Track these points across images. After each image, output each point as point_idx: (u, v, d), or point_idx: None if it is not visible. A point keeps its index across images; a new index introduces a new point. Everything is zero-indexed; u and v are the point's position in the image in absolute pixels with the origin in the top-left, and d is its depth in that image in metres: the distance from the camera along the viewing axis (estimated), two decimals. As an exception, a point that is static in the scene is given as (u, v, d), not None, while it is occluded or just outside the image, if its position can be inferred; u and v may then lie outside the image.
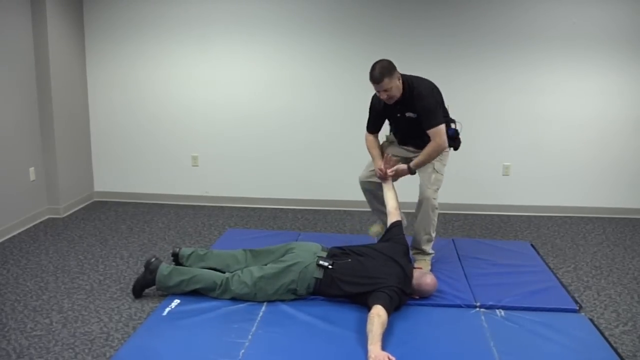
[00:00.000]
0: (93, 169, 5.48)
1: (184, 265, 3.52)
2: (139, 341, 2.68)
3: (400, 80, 3.27)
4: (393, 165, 3.49)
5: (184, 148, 5.36)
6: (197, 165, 5.39)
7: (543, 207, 5.17)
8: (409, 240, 3.51)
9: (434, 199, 3.42)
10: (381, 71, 3.17)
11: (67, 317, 2.99)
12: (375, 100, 3.54)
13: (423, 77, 3.42)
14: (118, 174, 5.47)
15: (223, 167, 5.37)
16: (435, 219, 3.50)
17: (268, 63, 5.10)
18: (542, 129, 5.03)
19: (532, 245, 4.19)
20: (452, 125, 3.47)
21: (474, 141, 5.07)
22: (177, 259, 3.60)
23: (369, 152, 3.67)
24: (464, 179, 5.13)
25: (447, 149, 3.45)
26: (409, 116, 3.38)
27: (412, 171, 3.45)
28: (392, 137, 3.72)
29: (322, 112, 5.16)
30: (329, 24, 4.99)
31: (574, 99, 4.96)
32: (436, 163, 3.43)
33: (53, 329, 2.85)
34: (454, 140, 3.46)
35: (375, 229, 3.89)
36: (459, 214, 5.14)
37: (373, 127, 3.63)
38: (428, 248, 3.58)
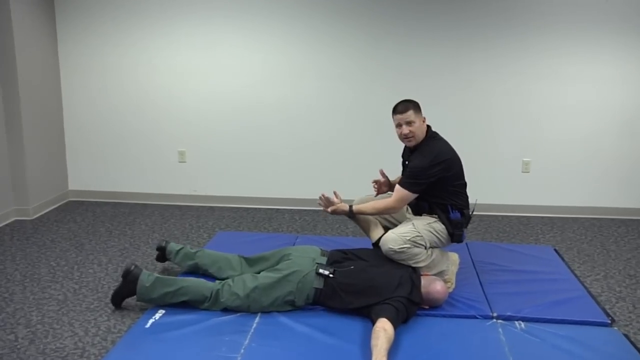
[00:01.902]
0: (67, 165, 5.47)
1: (172, 262, 3.53)
2: (119, 357, 2.66)
3: (425, 125, 3.26)
4: (337, 202, 3.38)
5: (169, 142, 5.35)
6: (184, 162, 5.38)
7: (567, 207, 5.16)
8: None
9: (392, 245, 3.12)
10: (408, 103, 3.21)
11: (35, 331, 2.96)
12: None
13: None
14: (96, 170, 5.46)
15: (213, 163, 5.36)
16: (411, 256, 3.15)
17: (262, 50, 5.08)
18: (566, 121, 5.02)
19: (555, 250, 4.18)
20: (464, 211, 3.28)
21: (490, 135, 5.07)
22: (163, 254, 3.59)
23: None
24: (479, 176, 5.10)
25: (445, 230, 3.25)
26: None
27: (350, 214, 3.34)
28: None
29: (322, 104, 5.15)
30: (330, 7, 4.96)
31: (603, 88, 4.95)
32: (418, 222, 3.23)
33: (18, 346, 2.82)
34: (454, 227, 3.23)
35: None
36: (473, 215, 5.11)
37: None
38: (433, 272, 3.25)
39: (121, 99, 5.29)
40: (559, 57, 4.90)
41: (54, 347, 2.80)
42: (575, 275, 3.69)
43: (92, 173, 5.47)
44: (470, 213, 3.34)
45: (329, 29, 5.00)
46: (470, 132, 5.03)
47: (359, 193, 5.00)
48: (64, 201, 5.42)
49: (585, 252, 4.24)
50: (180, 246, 3.56)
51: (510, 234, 4.68)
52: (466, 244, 4.16)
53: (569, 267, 3.83)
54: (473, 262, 3.81)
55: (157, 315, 3.00)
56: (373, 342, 2.60)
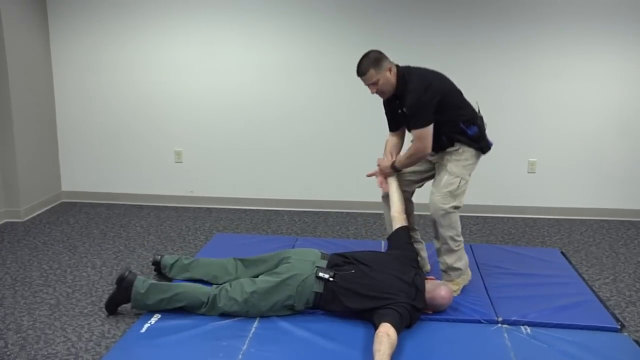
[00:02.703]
0: (60, 166, 5.47)
1: (167, 276, 3.52)
2: (113, 362, 2.65)
3: (393, 73, 3.24)
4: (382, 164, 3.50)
5: (166, 142, 5.34)
6: (180, 162, 5.37)
7: (575, 208, 5.15)
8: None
9: (443, 204, 3.25)
10: (366, 63, 3.19)
11: (26, 337, 2.95)
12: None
13: (428, 67, 3.34)
14: (89, 171, 5.45)
15: (210, 163, 5.35)
16: (452, 224, 3.31)
17: (260, 46, 5.08)
18: (573, 120, 5.01)
19: (562, 252, 4.17)
20: (477, 123, 3.37)
21: (494, 134, 5.03)
22: (158, 268, 3.60)
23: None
24: (483, 177, 5.07)
25: (472, 150, 3.36)
26: (404, 112, 3.33)
27: (395, 168, 3.47)
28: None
29: (322, 102, 5.14)
30: (329, 3, 4.96)
31: (611, 86, 4.94)
32: (451, 163, 3.33)
33: (8, 353, 2.80)
34: (477, 142, 3.35)
35: None
36: (477, 216, 5.12)
37: (390, 125, 3.60)
38: (452, 260, 3.36)
39: (116, 97, 5.28)
40: (566, 55, 4.89)
41: (45, 353, 2.79)
42: (583, 279, 3.68)
43: (85, 173, 5.46)
44: (479, 114, 3.41)
45: (327, 25, 5.00)
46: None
47: (361, 192, 5.03)
48: (57, 202, 5.41)
49: (593, 255, 4.24)
50: (174, 259, 3.56)
51: (516, 236, 4.67)
52: (470, 246, 4.16)
53: (577, 271, 3.82)
54: (477, 265, 3.81)
55: (153, 320, 3.00)
56: (376, 346, 2.59)
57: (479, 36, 4.91)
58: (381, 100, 3.51)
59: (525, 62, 4.93)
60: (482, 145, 3.38)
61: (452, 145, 3.33)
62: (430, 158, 3.48)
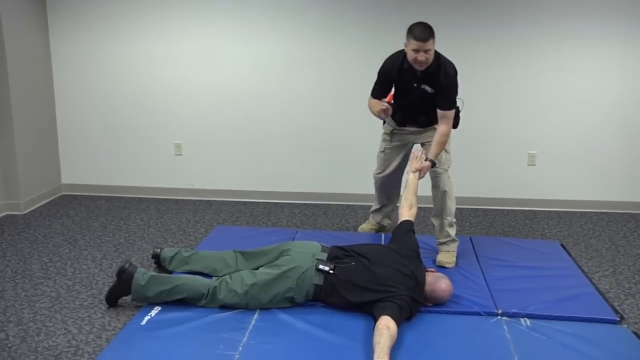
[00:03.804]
0: (60, 158, 5.47)
1: (167, 269, 3.52)
2: (114, 355, 2.66)
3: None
4: (422, 161, 3.62)
5: (166, 134, 5.34)
6: (180, 154, 5.37)
7: (575, 201, 5.16)
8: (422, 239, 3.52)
9: (449, 177, 3.66)
10: (427, 29, 3.36)
11: (27, 329, 2.96)
12: (388, 65, 3.68)
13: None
14: (89, 163, 5.45)
15: (210, 156, 5.35)
16: (454, 198, 3.71)
17: (260, 39, 5.06)
18: (574, 112, 5.01)
19: (562, 245, 4.17)
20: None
21: (494, 126, 5.07)
22: (158, 261, 3.61)
23: (371, 110, 3.74)
24: (483, 169, 5.11)
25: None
26: (424, 89, 3.55)
27: (434, 164, 3.63)
28: (390, 125, 3.89)
29: (322, 94, 5.13)
30: (330, -7, 4.96)
31: (612, 79, 4.92)
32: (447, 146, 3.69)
33: (9, 345, 2.81)
34: (454, 118, 3.66)
35: (366, 227, 4.39)
36: (477, 209, 5.13)
37: (379, 93, 3.75)
38: (453, 232, 3.73)
39: (115, 90, 5.27)
40: (568, 48, 4.87)
41: (46, 346, 2.80)
42: (583, 271, 3.68)
43: (85, 166, 5.46)
44: (460, 107, 3.71)
45: (326, 17, 4.98)
46: (474, 123, 5.00)
47: (361, 184, 5.03)
48: (57, 195, 5.42)
49: (593, 248, 4.24)
50: (174, 251, 3.57)
51: (516, 228, 4.67)
52: (470, 238, 4.17)
53: (576, 263, 3.83)
54: (477, 257, 3.81)
55: (153, 312, 3.01)
56: (376, 339, 2.60)
57: (479, 28, 4.89)
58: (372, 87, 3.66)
59: (526, 54, 4.91)
60: (456, 121, 3.71)
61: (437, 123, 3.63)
62: (413, 138, 3.82)
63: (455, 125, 3.72)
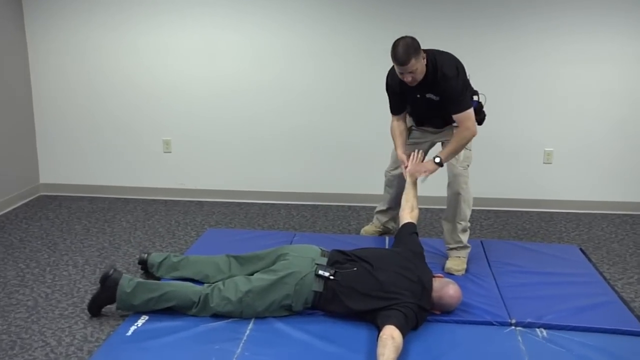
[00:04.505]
0: (38, 157, 5.47)
1: (154, 276, 3.52)
2: (97, 367, 2.66)
3: (424, 59, 3.42)
4: (421, 161, 3.68)
5: (153, 130, 5.34)
6: (169, 152, 5.37)
7: (595, 202, 5.15)
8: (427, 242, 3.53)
9: (466, 176, 3.67)
10: (407, 51, 3.29)
11: (0, 342, 2.94)
12: (390, 80, 3.71)
13: (441, 49, 3.54)
14: (70, 162, 5.45)
15: (202, 153, 5.35)
16: (471, 202, 3.74)
17: (255, 29, 5.05)
18: (593, 106, 4.99)
19: (581, 249, 4.17)
20: (475, 97, 3.65)
21: (508, 122, 5.06)
22: (145, 267, 3.60)
23: (392, 140, 3.86)
24: (495, 168, 5.10)
25: None
26: (430, 97, 3.55)
27: (441, 164, 3.62)
28: (410, 121, 3.93)
29: (322, 88, 5.13)
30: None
31: (635, 71, 4.90)
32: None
33: (-18, 358, 2.81)
34: (478, 114, 3.62)
35: (369, 230, 4.40)
36: (489, 210, 5.12)
37: (396, 109, 3.81)
38: (465, 238, 3.74)
39: (99, 83, 5.26)
40: (587, 38, 4.85)
41: None
42: (604, 278, 3.68)
43: (66, 165, 5.46)
44: (483, 102, 3.70)
45: (325, 7, 4.97)
46: (488, 119, 4.98)
47: (363, 184, 5.02)
48: (35, 196, 5.41)
49: (615, 252, 4.24)
50: (162, 256, 3.56)
51: (531, 231, 4.67)
52: (481, 241, 4.17)
53: (597, 269, 3.82)
54: (489, 263, 3.81)
55: (140, 322, 3.00)
56: (379, 350, 2.60)
57: (489, 19, 4.87)
58: (383, 85, 3.63)
59: (541, 45, 4.90)
60: (481, 117, 3.68)
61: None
62: (429, 138, 3.84)
63: (480, 122, 3.69)
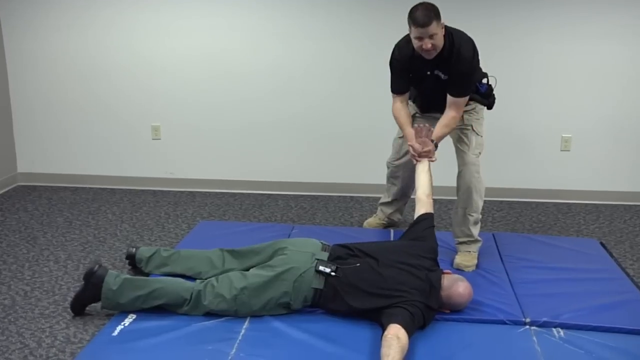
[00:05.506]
0: (15, 144, 5.46)
1: (143, 271, 3.52)
2: (81, 370, 2.67)
3: (444, 31, 3.42)
4: (427, 138, 3.63)
5: (141, 115, 5.34)
6: (158, 139, 5.37)
7: (616, 192, 5.16)
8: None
9: (478, 165, 3.68)
10: (428, 14, 3.30)
11: (-24, 343, 2.96)
12: (398, 53, 3.67)
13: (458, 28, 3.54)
14: (51, 150, 5.45)
15: (193, 140, 5.35)
16: (483, 193, 3.75)
17: (249, 7, 5.04)
18: (615, 89, 4.99)
19: (601, 243, 4.17)
20: (484, 81, 3.71)
21: (522, 107, 5.06)
22: (133, 262, 3.60)
23: (396, 121, 3.82)
24: (509, 156, 5.10)
25: (483, 107, 3.79)
26: (437, 75, 3.56)
27: (435, 145, 3.65)
28: (412, 108, 3.92)
29: (321, 71, 5.13)
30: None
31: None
32: (474, 123, 3.71)
33: (-45, 362, 2.82)
34: (487, 98, 3.72)
35: (373, 222, 4.41)
36: (501, 201, 5.13)
37: (400, 87, 3.77)
38: (476, 231, 3.76)
39: (81, 65, 5.25)
40: (607, 14, 4.83)
41: (-1, 362, 2.81)
42: (627, 274, 3.67)
43: (46, 153, 5.46)
44: (494, 85, 3.77)
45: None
46: (500, 103, 4.98)
47: (366, 174, 5.02)
48: (12, 186, 5.42)
49: (639, 247, 4.24)
50: (152, 251, 3.56)
51: (547, 224, 4.68)
52: (493, 235, 4.18)
53: (619, 265, 3.82)
54: (501, 258, 3.81)
55: (127, 321, 3.00)
56: (384, 350, 2.60)
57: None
58: (387, 65, 3.61)
59: (557, 23, 4.88)
60: (490, 101, 3.76)
61: (468, 104, 3.65)
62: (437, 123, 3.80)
63: (490, 106, 3.77)
